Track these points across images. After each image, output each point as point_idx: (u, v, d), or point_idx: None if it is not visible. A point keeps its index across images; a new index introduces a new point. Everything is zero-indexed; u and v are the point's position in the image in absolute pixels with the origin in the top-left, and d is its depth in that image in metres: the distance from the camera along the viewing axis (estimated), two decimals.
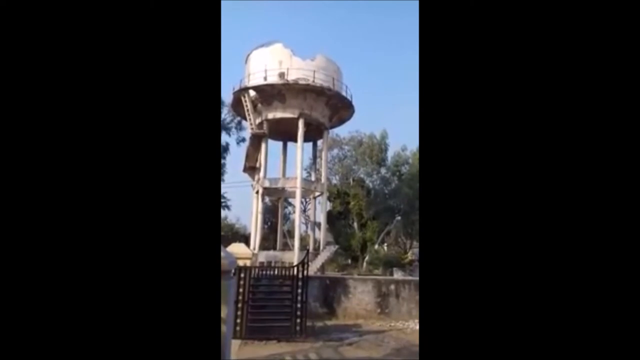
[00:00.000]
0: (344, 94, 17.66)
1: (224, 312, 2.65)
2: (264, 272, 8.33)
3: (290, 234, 21.76)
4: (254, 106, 17.08)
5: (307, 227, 22.69)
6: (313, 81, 16.54)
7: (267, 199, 20.41)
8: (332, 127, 19.96)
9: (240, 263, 7.08)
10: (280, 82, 16.49)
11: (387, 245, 25.46)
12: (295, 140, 17.48)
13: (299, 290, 7.52)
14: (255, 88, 16.79)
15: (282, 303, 7.62)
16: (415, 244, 23.63)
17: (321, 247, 17.50)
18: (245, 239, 18.16)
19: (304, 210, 22.58)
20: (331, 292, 10.38)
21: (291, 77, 16.50)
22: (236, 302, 6.72)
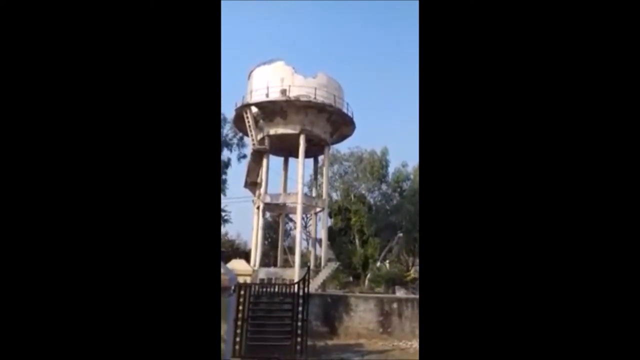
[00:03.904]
0: (345, 110, 17.81)
1: (224, 329, 2.58)
2: (264, 289, 8.21)
3: (290, 250, 21.55)
4: (256, 122, 17.22)
5: (308, 244, 22.54)
6: (314, 98, 16.72)
7: (268, 215, 20.31)
8: (333, 143, 20.06)
9: (241, 279, 6.99)
10: (282, 98, 16.67)
11: (389, 263, 25.18)
12: (297, 156, 17.54)
13: (300, 308, 7.39)
14: (257, 104, 16.97)
15: (283, 321, 7.47)
16: (418, 261, 23.36)
17: (322, 264, 17.32)
18: (246, 255, 18.00)
19: (305, 227, 22.44)
20: (332, 310, 10.20)
21: (293, 94, 16.69)
22: (236, 319, 6.59)
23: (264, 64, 18.04)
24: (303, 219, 20.39)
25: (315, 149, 18.51)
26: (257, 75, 17.86)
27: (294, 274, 15.58)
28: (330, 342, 9.13)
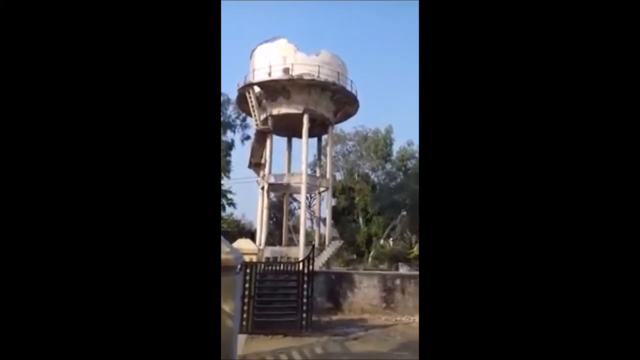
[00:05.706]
0: (349, 89, 17.58)
1: (232, 307, 2.68)
2: (270, 268, 8.38)
3: (295, 229, 21.80)
4: (259, 102, 17.08)
5: (312, 223, 22.74)
6: (318, 76, 16.48)
7: (272, 195, 20.45)
8: (337, 122, 19.90)
9: (247, 258, 7.13)
10: (284, 77, 16.45)
11: (393, 240, 25.45)
12: (300, 136, 17.47)
13: (305, 285, 7.57)
14: (259, 84, 16.78)
15: (288, 298, 7.68)
16: None
17: (326, 243, 17.53)
18: (251, 235, 18.24)
19: (309, 206, 22.61)
20: (337, 287, 10.42)
21: (295, 72, 16.45)
22: (242, 297, 6.78)
23: (266, 42, 17.71)
24: (307, 198, 20.52)
25: (318, 128, 18.39)
26: (259, 53, 17.57)
27: (299, 252, 15.82)
28: (334, 318, 9.38)
